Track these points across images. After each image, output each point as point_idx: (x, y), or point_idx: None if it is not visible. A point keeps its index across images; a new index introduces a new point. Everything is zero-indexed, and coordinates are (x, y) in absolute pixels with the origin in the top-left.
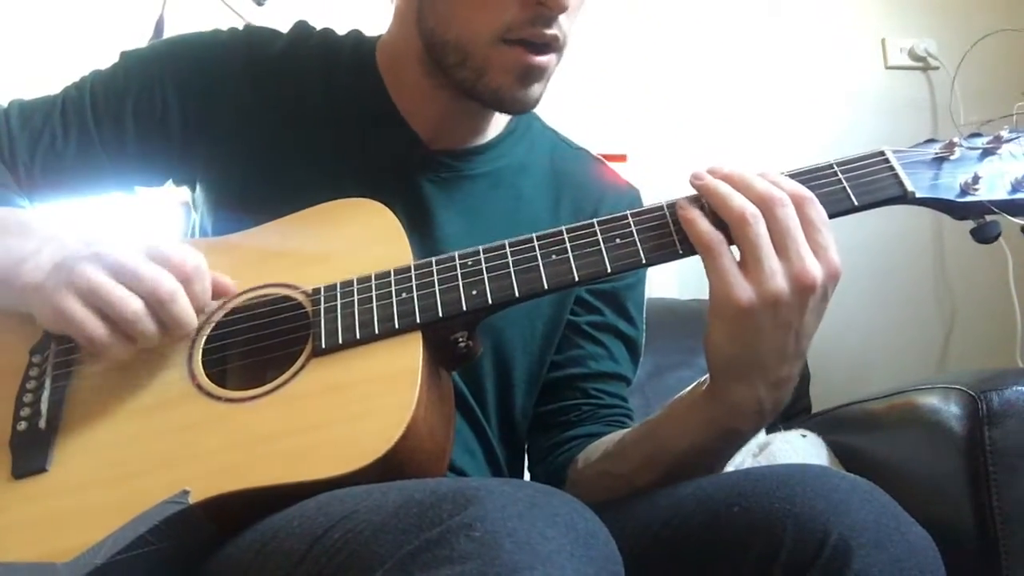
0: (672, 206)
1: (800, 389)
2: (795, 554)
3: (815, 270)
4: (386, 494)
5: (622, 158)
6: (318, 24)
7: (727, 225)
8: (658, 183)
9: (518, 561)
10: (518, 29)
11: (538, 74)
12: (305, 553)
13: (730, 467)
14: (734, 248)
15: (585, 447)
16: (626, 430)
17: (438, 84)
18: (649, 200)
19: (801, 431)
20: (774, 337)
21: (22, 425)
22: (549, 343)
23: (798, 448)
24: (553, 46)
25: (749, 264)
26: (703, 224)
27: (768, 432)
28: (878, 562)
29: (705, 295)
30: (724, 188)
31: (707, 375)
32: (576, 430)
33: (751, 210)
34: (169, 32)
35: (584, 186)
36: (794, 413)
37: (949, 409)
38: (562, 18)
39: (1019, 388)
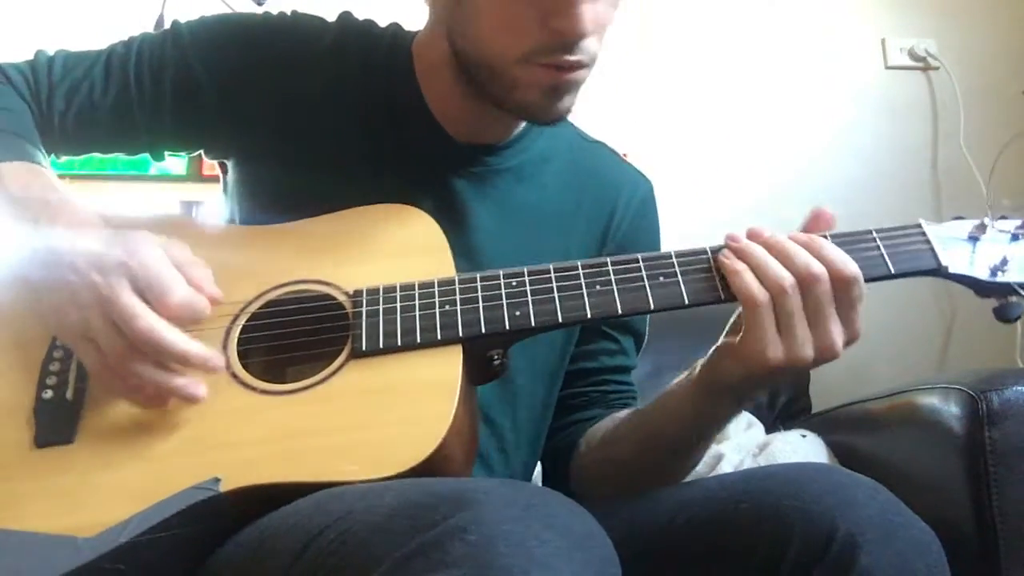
0: (716, 252)
1: (800, 389)
2: (804, 550)
3: (839, 341)
4: (382, 495)
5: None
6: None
7: None
8: (658, 183)
9: (512, 565)
10: (541, 55)
11: (567, 87)
12: (300, 552)
13: (729, 467)
14: None
15: (587, 429)
16: (622, 418)
17: (469, 92)
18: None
19: (801, 431)
20: (779, 380)
21: (48, 394)
22: (570, 336)
23: (798, 448)
24: (578, 68)
25: (782, 328)
26: (749, 277)
27: (768, 432)
28: (884, 556)
29: None
30: (761, 255)
31: (696, 366)
32: (582, 413)
33: (790, 281)
34: None
35: (603, 179)
36: (794, 413)
37: (949, 409)
38: (586, 41)
39: (1019, 388)
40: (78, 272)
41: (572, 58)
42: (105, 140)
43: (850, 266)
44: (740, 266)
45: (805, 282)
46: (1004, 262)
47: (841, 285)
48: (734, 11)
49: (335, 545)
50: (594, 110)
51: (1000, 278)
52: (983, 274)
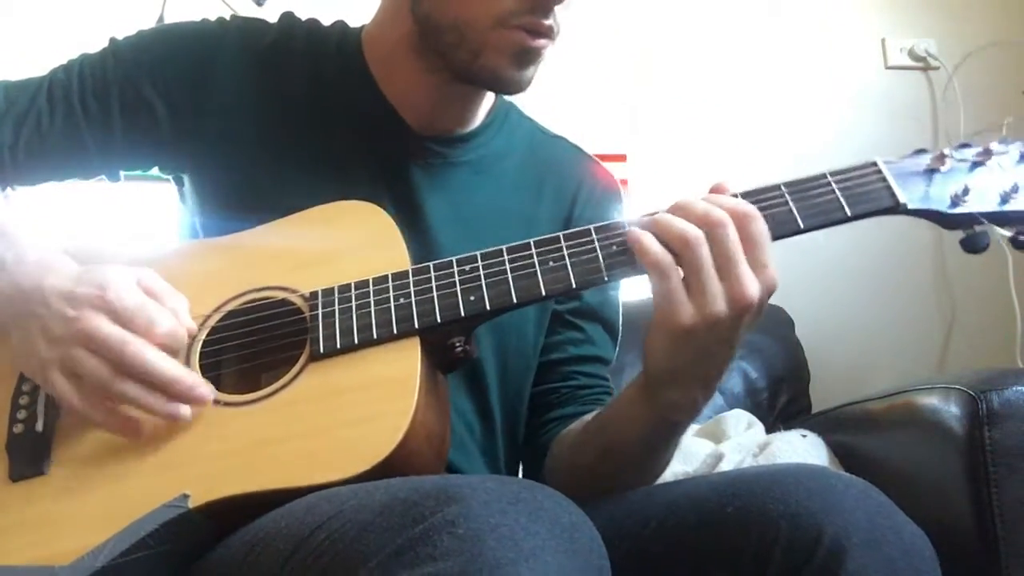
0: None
1: (800, 389)
2: (790, 554)
3: (753, 290)
4: (372, 493)
5: (622, 158)
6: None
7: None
8: (658, 183)
9: (501, 557)
10: (517, 17)
11: (534, 56)
12: (291, 554)
13: (729, 467)
14: None
15: (561, 431)
16: (587, 421)
17: (430, 68)
18: (636, 195)
19: (801, 431)
20: (709, 351)
21: (18, 428)
22: (541, 325)
23: (798, 448)
24: (549, 34)
25: (692, 286)
26: (654, 246)
27: (768, 432)
28: (872, 562)
29: None
30: (666, 215)
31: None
32: (556, 411)
33: (693, 233)
34: None
35: (564, 173)
36: (794, 413)
37: (949, 409)
38: (557, 9)
39: (1019, 388)
40: (48, 307)
41: (546, 22)
42: (58, 168)
43: (745, 204)
44: (645, 239)
45: (708, 227)
46: (965, 191)
47: (742, 223)
48: (735, 11)
49: (326, 545)
50: (592, 111)
51: (962, 208)
52: (943, 206)
